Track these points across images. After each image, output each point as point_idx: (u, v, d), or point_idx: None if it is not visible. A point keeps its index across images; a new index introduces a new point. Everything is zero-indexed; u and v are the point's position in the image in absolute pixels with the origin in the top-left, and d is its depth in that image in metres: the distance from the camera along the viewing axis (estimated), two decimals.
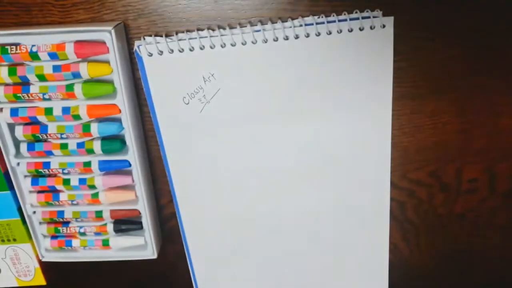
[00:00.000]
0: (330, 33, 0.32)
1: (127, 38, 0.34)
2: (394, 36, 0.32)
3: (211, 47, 0.33)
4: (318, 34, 0.32)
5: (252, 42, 0.33)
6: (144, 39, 0.33)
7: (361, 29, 0.32)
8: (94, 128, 0.35)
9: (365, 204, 0.38)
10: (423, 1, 0.32)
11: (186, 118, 0.35)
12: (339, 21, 0.32)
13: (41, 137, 0.35)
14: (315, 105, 0.34)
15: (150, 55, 0.33)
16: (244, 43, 0.33)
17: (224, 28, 0.33)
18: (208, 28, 0.33)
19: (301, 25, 0.32)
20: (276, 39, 0.32)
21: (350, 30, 0.32)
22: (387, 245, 0.40)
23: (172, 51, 0.33)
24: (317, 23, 0.32)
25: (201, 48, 0.33)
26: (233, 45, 0.33)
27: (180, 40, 0.33)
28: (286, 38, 0.32)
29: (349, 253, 0.40)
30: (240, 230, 0.39)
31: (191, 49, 0.33)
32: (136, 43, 0.33)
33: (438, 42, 0.33)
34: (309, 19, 0.32)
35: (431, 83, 0.34)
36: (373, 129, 0.35)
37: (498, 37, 0.33)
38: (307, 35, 0.32)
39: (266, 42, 0.32)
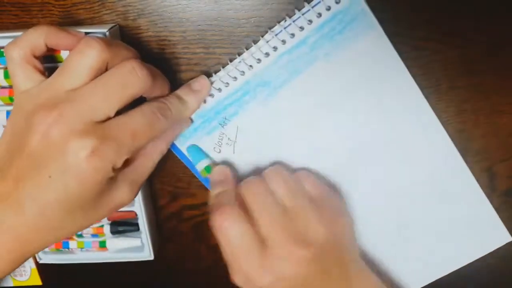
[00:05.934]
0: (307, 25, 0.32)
1: (127, 39, 0.34)
2: (394, 36, 0.32)
3: (204, 101, 0.34)
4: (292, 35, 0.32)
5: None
6: None
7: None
8: None
9: None
10: (423, 1, 0.32)
11: (224, 161, 0.36)
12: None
13: None
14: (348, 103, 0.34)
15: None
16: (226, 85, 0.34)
17: (211, 75, 0.33)
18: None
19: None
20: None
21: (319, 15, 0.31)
22: None
23: None
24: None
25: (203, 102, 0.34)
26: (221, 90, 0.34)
27: None
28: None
29: None
30: None
31: None
32: None
33: (438, 42, 0.33)
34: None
35: (431, 83, 0.34)
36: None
37: (498, 36, 0.33)
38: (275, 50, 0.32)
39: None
